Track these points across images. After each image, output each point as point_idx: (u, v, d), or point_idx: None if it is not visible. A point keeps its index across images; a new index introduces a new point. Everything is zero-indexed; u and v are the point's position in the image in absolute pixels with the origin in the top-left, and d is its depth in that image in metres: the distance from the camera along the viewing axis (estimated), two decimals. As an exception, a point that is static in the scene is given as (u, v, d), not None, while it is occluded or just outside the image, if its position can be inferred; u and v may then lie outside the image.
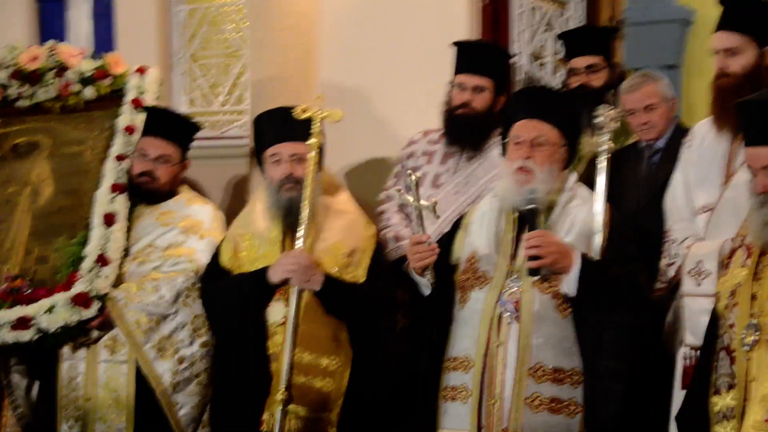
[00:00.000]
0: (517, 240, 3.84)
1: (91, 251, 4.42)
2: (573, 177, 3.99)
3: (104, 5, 6.27)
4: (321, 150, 4.24)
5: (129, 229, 4.57)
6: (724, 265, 3.40)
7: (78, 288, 4.30)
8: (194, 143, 4.85)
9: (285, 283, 4.09)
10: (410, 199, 3.93)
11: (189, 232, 4.56)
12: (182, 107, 6.02)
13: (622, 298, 3.71)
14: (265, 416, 4.03)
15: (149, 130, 4.70)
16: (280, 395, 3.98)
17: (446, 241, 4.08)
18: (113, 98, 5.03)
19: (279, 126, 4.32)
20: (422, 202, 3.91)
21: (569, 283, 3.69)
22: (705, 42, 4.46)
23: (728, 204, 3.91)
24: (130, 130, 4.84)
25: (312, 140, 4.16)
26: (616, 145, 4.35)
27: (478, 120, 4.72)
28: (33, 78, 5.09)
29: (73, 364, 4.43)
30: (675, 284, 4.12)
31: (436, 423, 3.86)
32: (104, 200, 4.57)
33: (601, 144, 4.03)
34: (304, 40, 5.40)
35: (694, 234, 4.10)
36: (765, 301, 3.12)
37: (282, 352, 4.03)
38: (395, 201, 4.72)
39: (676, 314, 4.09)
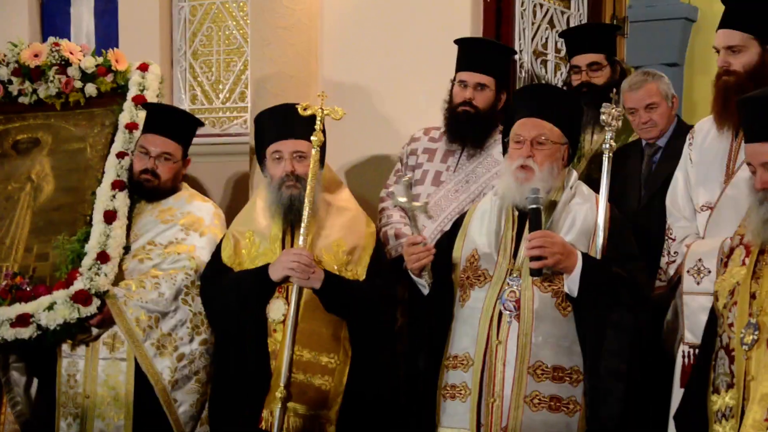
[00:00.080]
0: (518, 238, 3.84)
1: (91, 248, 4.41)
2: (574, 175, 3.98)
3: (107, 2, 6.28)
4: (322, 147, 4.23)
5: (129, 227, 4.56)
6: (723, 263, 3.39)
7: (78, 285, 4.29)
8: (195, 140, 4.85)
9: (285, 280, 4.09)
10: (403, 200, 3.92)
11: (189, 229, 4.56)
12: (184, 104, 6.02)
13: (622, 297, 3.71)
14: (265, 414, 4.03)
15: (151, 127, 4.69)
16: (279, 393, 3.99)
17: (446, 239, 4.08)
18: (114, 95, 5.04)
19: (280, 123, 4.32)
20: (414, 203, 3.90)
21: (571, 284, 3.68)
22: (708, 40, 4.46)
23: (729, 202, 3.91)
24: (131, 127, 4.83)
25: (314, 138, 4.16)
26: (618, 144, 4.34)
27: (480, 118, 4.71)
28: (34, 74, 5.09)
29: (72, 362, 4.42)
30: (675, 282, 4.12)
31: (435, 421, 3.86)
32: (105, 197, 4.57)
33: (604, 142, 4.01)
34: (306, 37, 5.39)
35: (694, 232, 4.10)
36: (764, 300, 3.11)
37: (282, 349, 4.04)
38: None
39: (675, 312, 4.08)
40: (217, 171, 5.62)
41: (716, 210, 4.00)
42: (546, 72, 5.66)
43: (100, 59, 5.10)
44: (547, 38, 5.68)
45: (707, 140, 4.15)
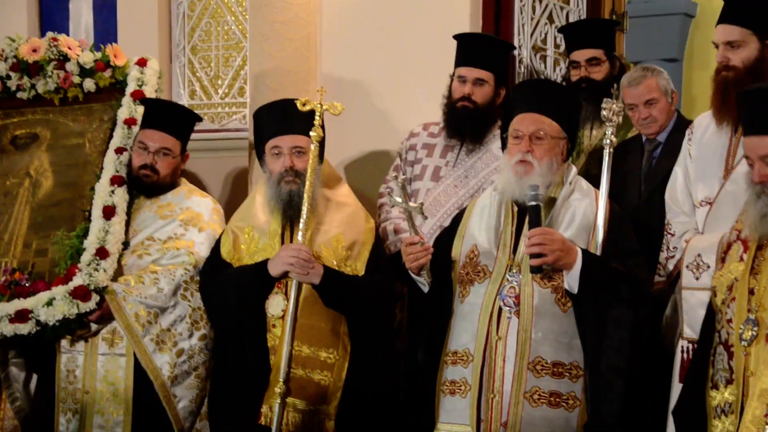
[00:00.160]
0: (517, 234, 3.83)
1: (90, 244, 4.40)
2: (573, 170, 3.97)
3: (105, -3, 6.28)
4: (322, 143, 4.23)
5: (128, 222, 4.56)
6: (720, 259, 3.39)
7: (77, 281, 4.29)
8: (194, 136, 4.85)
9: (284, 276, 4.09)
10: (398, 200, 3.91)
11: (188, 224, 4.56)
12: (182, 99, 6.02)
13: (622, 293, 3.71)
14: (264, 409, 4.03)
15: (149, 122, 4.69)
16: (278, 388, 3.99)
17: (446, 234, 4.08)
18: (113, 90, 5.03)
19: (280, 119, 4.32)
20: (410, 203, 3.89)
21: (571, 280, 3.68)
22: (707, 35, 4.45)
23: (728, 197, 3.91)
24: (129, 122, 4.83)
25: (313, 133, 4.15)
26: (617, 139, 4.34)
27: (479, 113, 4.71)
28: (33, 70, 5.08)
29: (71, 357, 4.42)
30: (674, 278, 4.12)
31: (434, 417, 3.86)
32: (104, 193, 4.56)
33: (605, 138, 4.01)
34: (305, 32, 5.38)
35: (693, 227, 4.10)
36: (763, 295, 3.11)
37: (281, 345, 4.04)
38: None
39: (674, 307, 4.08)
40: (216, 166, 5.62)
41: (715, 205, 4.00)
42: (545, 67, 5.66)
43: (99, 54, 5.09)
44: (546, 33, 5.67)
45: (706, 135, 4.14)
